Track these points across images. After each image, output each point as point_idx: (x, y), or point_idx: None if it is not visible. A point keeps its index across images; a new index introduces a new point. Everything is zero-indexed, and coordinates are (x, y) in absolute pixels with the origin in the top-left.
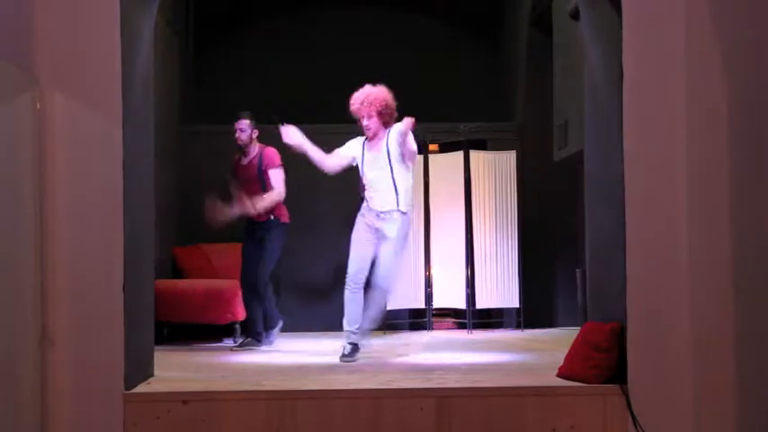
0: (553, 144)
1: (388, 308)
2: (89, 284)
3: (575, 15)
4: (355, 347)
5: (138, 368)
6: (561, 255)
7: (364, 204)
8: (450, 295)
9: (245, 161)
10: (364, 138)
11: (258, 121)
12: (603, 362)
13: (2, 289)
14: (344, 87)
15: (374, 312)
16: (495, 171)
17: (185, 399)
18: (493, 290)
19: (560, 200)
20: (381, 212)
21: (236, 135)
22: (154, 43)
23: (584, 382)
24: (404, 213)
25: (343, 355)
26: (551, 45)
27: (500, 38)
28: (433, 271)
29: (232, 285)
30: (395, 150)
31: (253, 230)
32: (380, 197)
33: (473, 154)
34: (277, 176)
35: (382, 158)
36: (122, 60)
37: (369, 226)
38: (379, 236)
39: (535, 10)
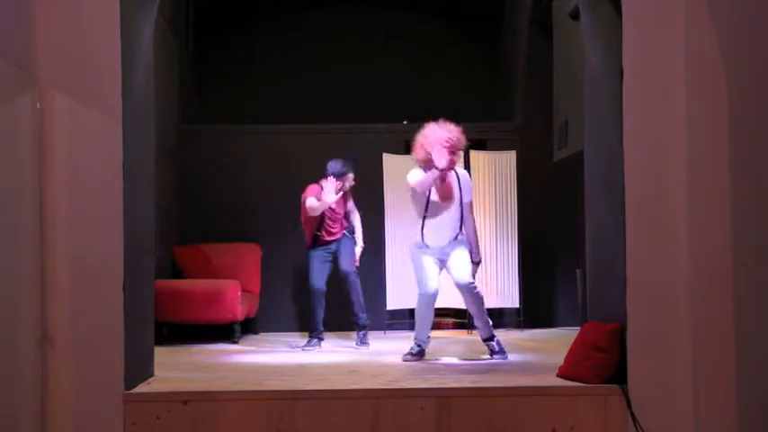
0: (553, 144)
1: (387, 308)
2: (89, 284)
3: (575, 15)
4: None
5: (138, 368)
6: (561, 255)
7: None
8: (450, 295)
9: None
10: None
11: (260, 122)
12: (603, 362)
13: (2, 289)
14: (344, 87)
15: None
16: (495, 171)
17: (185, 399)
18: (493, 290)
19: (560, 200)
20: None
21: (341, 185)
22: (154, 43)
23: (584, 382)
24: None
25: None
26: (551, 45)
27: (500, 38)
28: None
29: (232, 285)
30: (464, 198)
31: (327, 253)
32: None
33: (473, 154)
34: (352, 203)
35: (455, 197)
36: (122, 60)
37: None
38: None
39: (535, 10)
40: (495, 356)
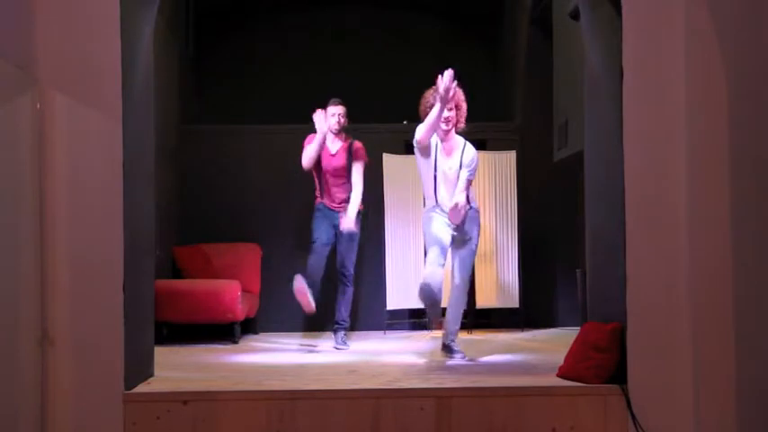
0: (553, 144)
1: (387, 308)
2: (89, 284)
3: (575, 15)
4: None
5: (138, 368)
6: (561, 255)
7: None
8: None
9: (332, 150)
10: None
11: (258, 122)
12: (603, 362)
13: (2, 289)
14: (344, 87)
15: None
16: (495, 171)
17: (185, 399)
18: (493, 290)
19: (560, 200)
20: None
21: (334, 120)
22: (154, 43)
23: (584, 382)
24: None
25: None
26: (551, 45)
27: (500, 37)
28: None
29: (232, 285)
30: (463, 163)
31: (331, 218)
32: (447, 194)
33: None
34: (360, 171)
35: (454, 161)
36: (122, 60)
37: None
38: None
39: (535, 10)
40: (456, 356)
